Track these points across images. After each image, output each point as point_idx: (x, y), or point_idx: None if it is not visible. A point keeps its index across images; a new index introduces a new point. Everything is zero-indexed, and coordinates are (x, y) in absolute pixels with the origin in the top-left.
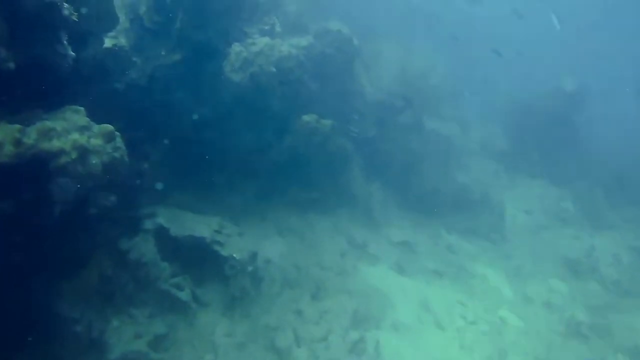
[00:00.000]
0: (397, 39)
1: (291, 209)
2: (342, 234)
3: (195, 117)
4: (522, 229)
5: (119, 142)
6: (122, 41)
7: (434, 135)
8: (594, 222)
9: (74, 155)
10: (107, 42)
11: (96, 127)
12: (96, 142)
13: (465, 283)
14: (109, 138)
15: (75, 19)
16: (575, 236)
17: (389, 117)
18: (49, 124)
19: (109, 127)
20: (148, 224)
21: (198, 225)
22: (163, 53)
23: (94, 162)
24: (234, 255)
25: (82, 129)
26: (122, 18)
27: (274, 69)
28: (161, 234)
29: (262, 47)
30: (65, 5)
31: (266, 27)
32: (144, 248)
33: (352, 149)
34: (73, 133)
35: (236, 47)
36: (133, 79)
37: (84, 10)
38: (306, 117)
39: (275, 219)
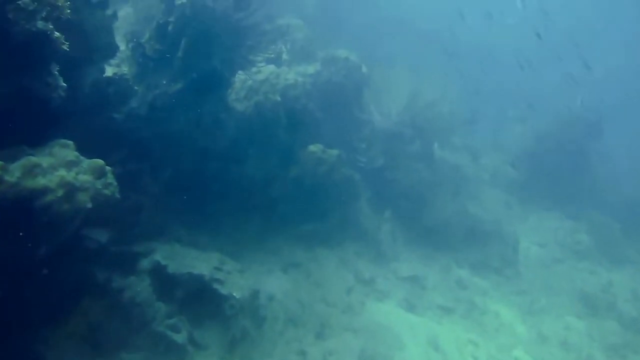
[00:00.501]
0: (408, 66)
1: (296, 243)
2: (349, 269)
3: (197, 147)
4: (536, 263)
5: (110, 177)
6: (124, 70)
7: (444, 165)
8: (610, 255)
9: (59, 193)
10: (109, 71)
11: (86, 162)
12: (85, 178)
13: (476, 320)
14: (99, 173)
15: (67, 49)
16: (591, 270)
17: (398, 146)
18: (34, 159)
19: (99, 161)
20: (144, 261)
21: (197, 262)
22: (164, 82)
23: (81, 199)
24: (234, 294)
25: (70, 165)
26: (124, 46)
27: (278, 98)
28: (158, 271)
29: (267, 75)
30: (56, 34)
31: (272, 55)
32: (139, 287)
33: (359, 179)
34: (60, 169)
35: (241, 76)
36: (133, 108)
37: (79, 39)
38: (312, 147)
39: (279, 253)
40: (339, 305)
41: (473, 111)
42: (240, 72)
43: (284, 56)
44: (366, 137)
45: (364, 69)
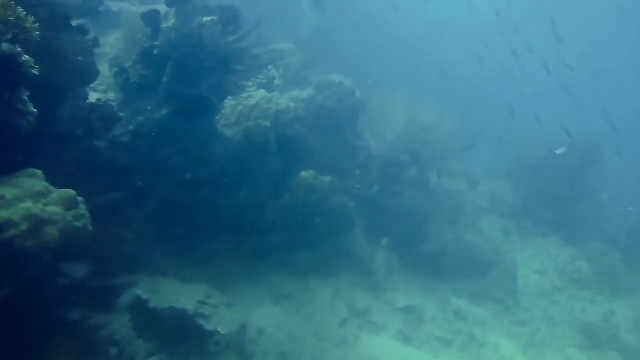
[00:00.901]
0: (404, 91)
1: (288, 273)
2: (343, 300)
3: (184, 176)
4: (535, 291)
5: (82, 208)
6: (109, 96)
7: (441, 192)
8: (610, 283)
9: (24, 226)
10: (94, 97)
11: (55, 193)
12: (54, 209)
13: (475, 353)
14: (70, 204)
15: (37, 72)
16: (592, 299)
17: (394, 173)
18: None
19: (70, 192)
20: (124, 296)
21: (181, 296)
22: (149, 108)
23: (49, 233)
24: (219, 329)
25: (38, 196)
26: (108, 71)
27: (268, 124)
28: (138, 306)
29: (258, 100)
30: (25, 57)
31: (264, 80)
32: (117, 323)
33: (353, 206)
34: (25, 201)
35: (231, 101)
36: (116, 135)
37: (56, 64)
38: (304, 174)
39: (271, 284)
40: (332, 339)
41: (471, 136)
42: (230, 97)
43: (276, 81)
44: (361, 163)
45: (358, 94)
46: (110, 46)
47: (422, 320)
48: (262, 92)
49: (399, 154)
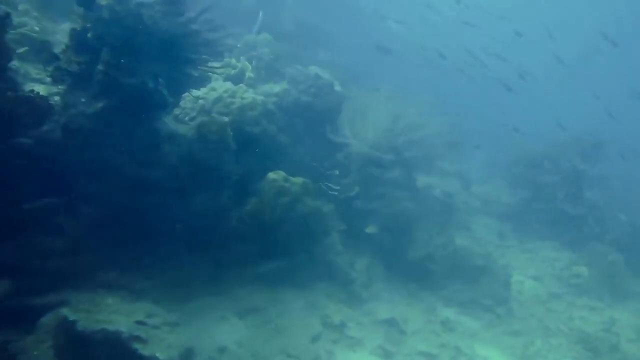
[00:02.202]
0: (390, 85)
1: (256, 284)
2: (317, 313)
3: (129, 178)
4: (531, 299)
5: None
6: (40, 88)
7: (429, 193)
8: (611, 289)
9: None
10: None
11: None
12: None
13: None
14: None
15: None
16: (591, 307)
17: (376, 174)
18: None
19: None
20: (48, 317)
21: (117, 316)
22: (83, 100)
23: None
24: (158, 354)
25: None
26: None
27: (226, 119)
28: (64, 329)
29: (221, 93)
30: None
31: (233, 72)
32: (37, 350)
33: (331, 210)
34: None
35: (192, 94)
36: (45, 131)
37: None
38: (272, 175)
39: (235, 297)
40: (302, 356)
41: (463, 134)
42: (193, 90)
43: (249, 73)
44: (340, 163)
45: (338, 88)
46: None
47: (405, 333)
48: (228, 84)
49: (382, 153)
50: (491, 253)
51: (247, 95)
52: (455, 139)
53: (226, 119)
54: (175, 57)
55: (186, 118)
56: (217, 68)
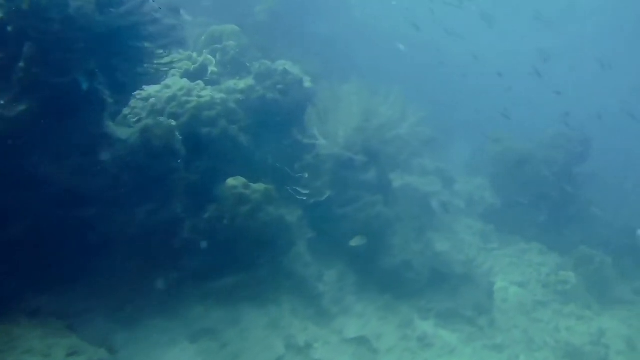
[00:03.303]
0: (365, 80)
1: (212, 303)
2: (280, 333)
3: (62, 190)
4: (515, 307)
5: None
6: None
7: (406, 195)
8: (600, 295)
9: None
10: None
11: None
12: None
13: None
14: None
15: None
16: (579, 315)
17: (348, 176)
18: None
19: None
20: None
21: (29, 357)
22: (2, 102)
23: None
24: None
25: None
26: None
27: (173, 122)
28: None
29: (175, 92)
30: None
31: (193, 67)
32: None
33: (299, 216)
34: None
35: (142, 93)
36: None
37: None
38: (231, 182)
39: (187, 318)
40: None
41: (443, 128)
42: (144, 88)
43: (212, 68)
44: (309, 165)
45: (308, 84)
46: None
47: (377, 352)
48: (183, 82)
49: (354, 153)
50: (473, 259)
51: (205, 93)
52: (434, 135)
53: (173, 122)
54: (116, 52)
55: (135, 119)
56: (170, 63)
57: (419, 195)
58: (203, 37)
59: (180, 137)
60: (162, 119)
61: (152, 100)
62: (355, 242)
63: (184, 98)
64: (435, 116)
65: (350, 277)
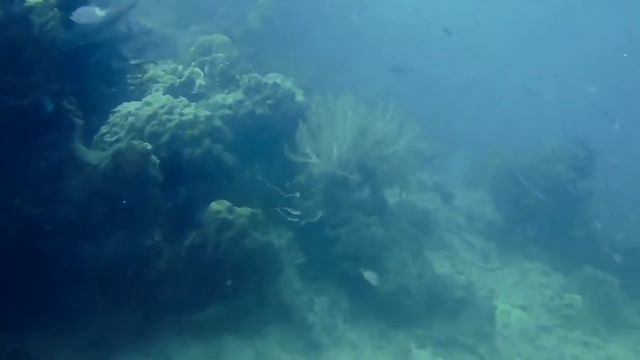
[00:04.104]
0: (362, 95)
1: (193, 335)
2: None
3: (22, 219)
4: (517, 333)
5: None
6: None
7: (403, 214)
8: (607, 320)
9: None
10: None
11: None
12: None
13: None
14: None
15: None
16: (585, 342)
17: (342, 196)
18: None
19: None
20: None
21: None
22: None
23: None
24: None
25: None
26: None
27: (149, 147)
28: None
29: (156, 109)
30: None
31: (178, 82)
32: None
33: (289, 240)
34: None
35: (120, 112)
36: None
37: None
38: (215, 206)
39: (165, 354)
40: None
41: (442, 141)
42: (125, 104)
43: (200, 81)
44: (300, 185)
45: (300, 98)
46: None
47: None
48: (165, 98)
49: (348, 172)
50: (474, 282)
51: (188, 110)
52: (433, 151)
53: (149, 145)
54: (87, 71)
55: (113, 138)
56: (149, 80)
57: (416, 212)
58: (192, 48)
59: (158, 161)
60: (136, 142)
61: (131, 118)
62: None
63: (165, 116)
64: (435, 127)
65: (343, 302)
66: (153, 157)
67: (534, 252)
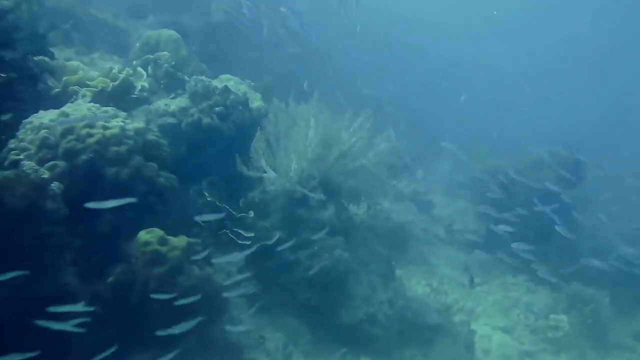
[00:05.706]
0: (330, 99)
1: None
2: None
3: None
4: None
5: None
6: None
7: (372, 233)
8: (596, 342)
9: None
10: None
11: None
12: None
13: None
14: None
15: None
16: None
17: (302, 215)
18: None
19: None
20: None
21: None
22: None
23: None
24: None
25: None
26: None
27: (44, 175)
28: None
29: (76, 120)
30: None
31: (112, 85)
32: None
33: (239, 268)
34: None
35: (33, 123)
36: None
37: None
38: (145, 236)
39: None
40: None
41: (418, 155)
42: (41, 113)
43: (142, 83)
44: (255, 203)
45: (257, 104)
46: None
47: None
48: (85, 108)
49: (309, 188)
50: (451, 305)
51: (114, 123)
52: (407, 161)
53: (46, 173)
54: None
55: (22, 155)
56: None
57: (391, 225)
58: (137, 44)
59: (60, 189)
60: (29, 170)
61: (43, 132)
62: None
63: (85, 130)
64: (419, 130)
65: (303, 336)
66: (54, 185)
67: (518, 265)
